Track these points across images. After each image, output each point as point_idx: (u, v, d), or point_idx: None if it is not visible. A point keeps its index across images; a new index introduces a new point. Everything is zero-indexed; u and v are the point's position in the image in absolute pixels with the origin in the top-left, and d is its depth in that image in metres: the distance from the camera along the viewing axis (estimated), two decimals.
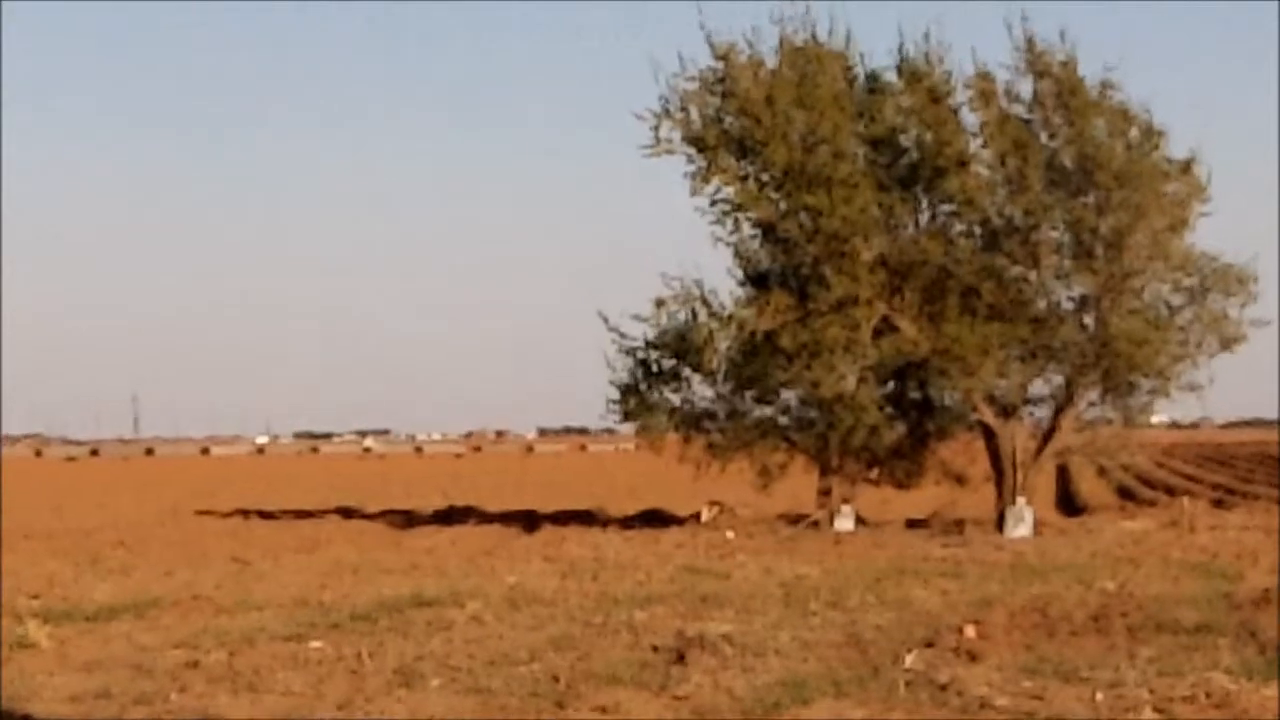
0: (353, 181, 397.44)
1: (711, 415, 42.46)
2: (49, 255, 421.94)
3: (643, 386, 42.81)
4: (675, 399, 42.73)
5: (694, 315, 40.96)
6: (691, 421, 42.64)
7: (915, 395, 41.24)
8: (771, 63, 39.53)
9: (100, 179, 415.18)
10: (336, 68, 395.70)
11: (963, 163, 38.70)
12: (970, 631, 20.03)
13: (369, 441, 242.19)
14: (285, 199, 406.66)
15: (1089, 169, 37.84)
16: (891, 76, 40.18)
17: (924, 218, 39.93)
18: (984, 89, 39.10)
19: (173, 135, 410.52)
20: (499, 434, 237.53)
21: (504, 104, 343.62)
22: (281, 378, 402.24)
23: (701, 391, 42.49)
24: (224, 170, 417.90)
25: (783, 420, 42.19)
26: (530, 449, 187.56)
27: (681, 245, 77.69)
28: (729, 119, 39.49)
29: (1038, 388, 40.38)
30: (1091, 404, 40.63)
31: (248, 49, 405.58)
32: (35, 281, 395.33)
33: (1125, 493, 57.76)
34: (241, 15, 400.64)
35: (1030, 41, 38.89)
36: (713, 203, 40.13)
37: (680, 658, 18.23)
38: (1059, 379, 39.98)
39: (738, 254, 41.29)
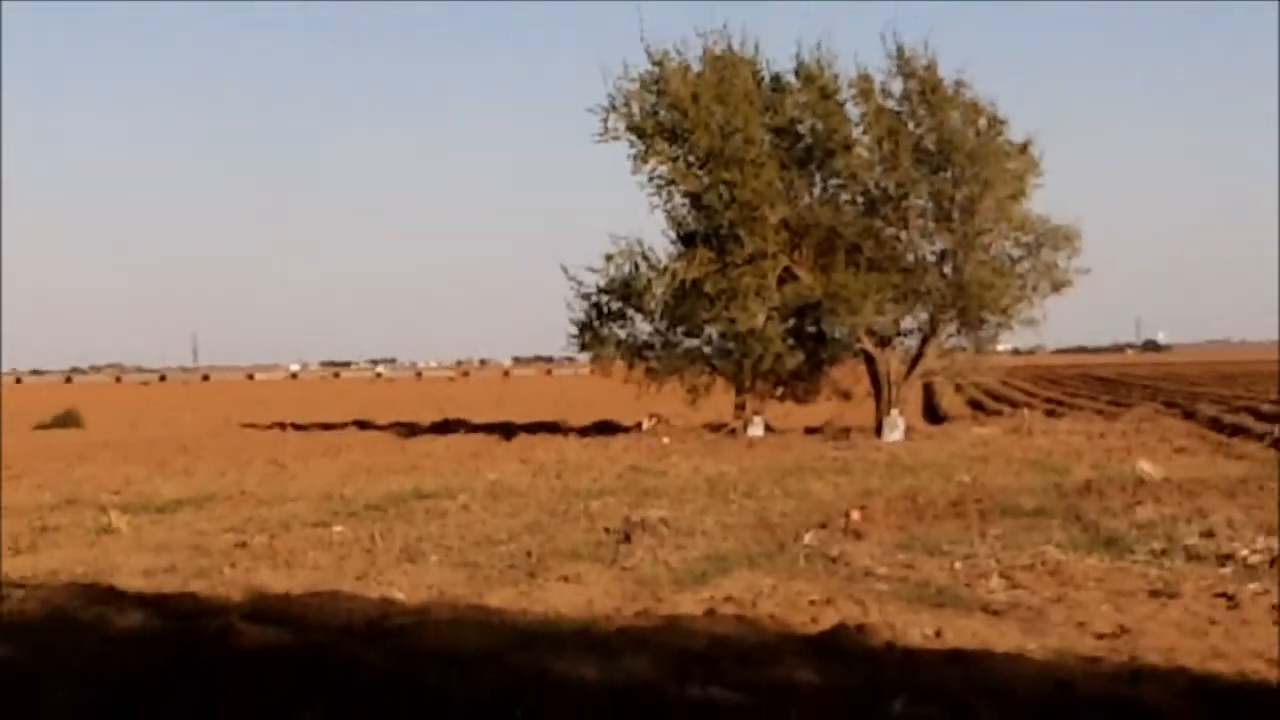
0: (376, 179, 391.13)
1: (650, 346, 44.61)
2: (121, 223, 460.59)
3: (595, 324, 44.88)
4: (621, 334, 44.90)
5: (636, 267, 43.46)
6: (634, 351, 44.78)
7: (811, 329, 42.74)
8: (696, 67, 42.26)
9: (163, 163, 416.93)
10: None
11: (847, 146, 41.32)
12: (855, 515, 20.83)
13: (380, 368, 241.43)
14: (318, 185, 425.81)
15: (946, 150, 40.67)
16: (791, 78, 42.76)
17: (817, 190, 42.56)
18: (864, 87, 41.78)
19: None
20: (482, 362, 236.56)
21: (487, 97, 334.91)
22: (311, 317, 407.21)
23: (642, 328, 44.74)
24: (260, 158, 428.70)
25: (707, 350, 43.99)
26: (507, 374, 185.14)
27: (625, 212, 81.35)
28: (662, 112, 42.13)
29: (907, 323, 42.94)
30: (950, 336, 42.98)
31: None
32: (108, 243, 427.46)
33: (977, 405, 59.10)
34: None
35: (900, 49, 41.50)
36: (650, 178, 42.88)
37: (626, 538, 18.98)
38: (924, 316, 42.49)
39: (670, 218, 43.66)
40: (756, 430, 42.22)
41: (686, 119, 41.52)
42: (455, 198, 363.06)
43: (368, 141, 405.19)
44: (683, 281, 42.11)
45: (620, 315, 44.72)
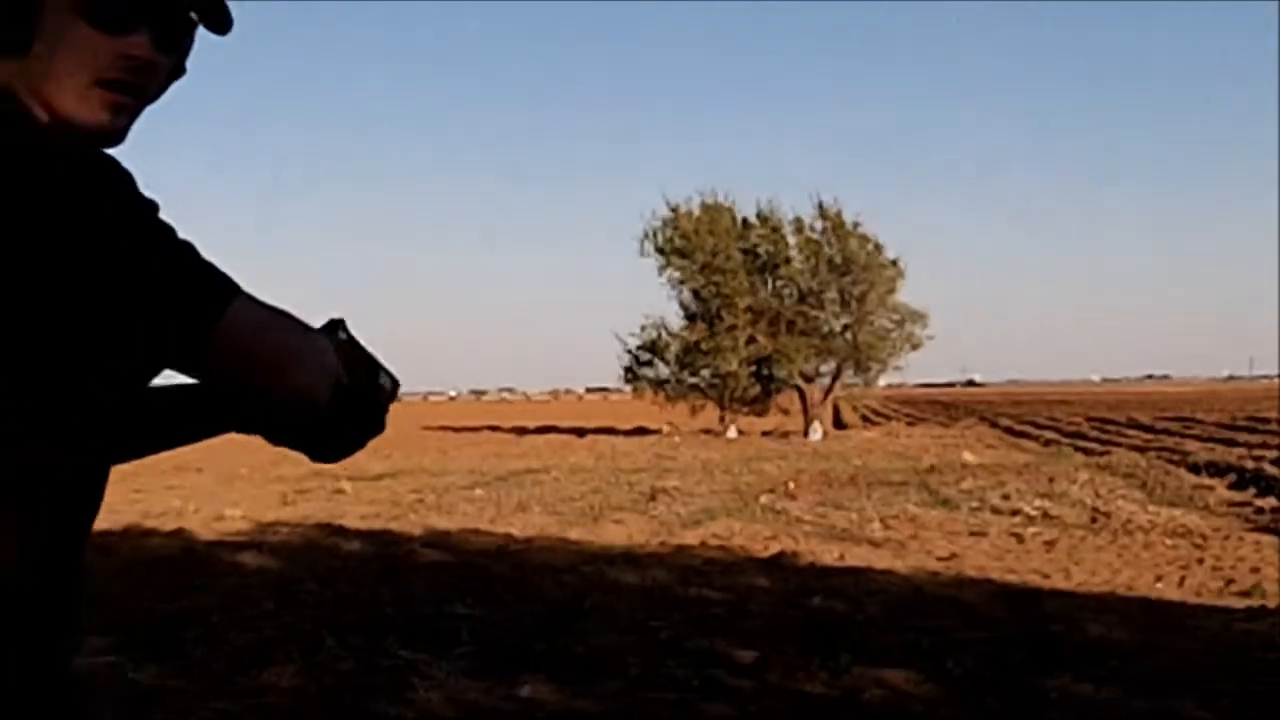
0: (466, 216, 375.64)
1: (667, 381, 43.45)
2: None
3: (635, 367, 43.89)
4: (651, 373, 43.71)
5: (659, 333, 43.29)
6: (658, 384, 43.62)
7: (765, 372, 41.45)
8: (696, 212, 41.90)
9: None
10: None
11: (787, 260, 40.81)
12: (791, 485, 20.32)
13: (505, 394, 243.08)
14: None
15: (848, 264, 40.08)
16: (754, 219, 41.95)
17: (769, 288, 41.49)
18: (798, 225, 41.35)
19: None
20: (567, 390, 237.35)
21: (573, 226, 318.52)
22: (463, 357, 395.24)
23: (663, 370, 43.50)
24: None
25: (702, 384, 42.77)
26: (580, 398, 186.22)
27: (654, 299, 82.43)
28: (676, 239, 41.67)
29: (824, 369, 41.48)
30: (849, 376, 41.99)
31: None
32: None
33: (866, 419, 56.81)
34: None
35: (821, 203, 41.18)
36: (668, 280, 42.42)
37: (653, 497, 18.43)
38: (834, 364, 41.27)
39: (680, 304, 43.02)
40: (732, 433, 41.46)
41: (690, 244, 41.34)
42: (555, 291, 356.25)
43: (510, 251, 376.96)
44: (687, 342, 41.98)
45: (650, 363, 43.87)
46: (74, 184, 1.58)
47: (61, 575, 1.61)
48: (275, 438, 1.68)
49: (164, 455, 1.69)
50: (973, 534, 14.21)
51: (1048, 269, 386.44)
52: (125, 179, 1.68)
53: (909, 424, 50.69)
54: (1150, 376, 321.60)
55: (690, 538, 13.88)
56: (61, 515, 1.60)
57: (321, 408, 1.67)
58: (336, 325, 1.83)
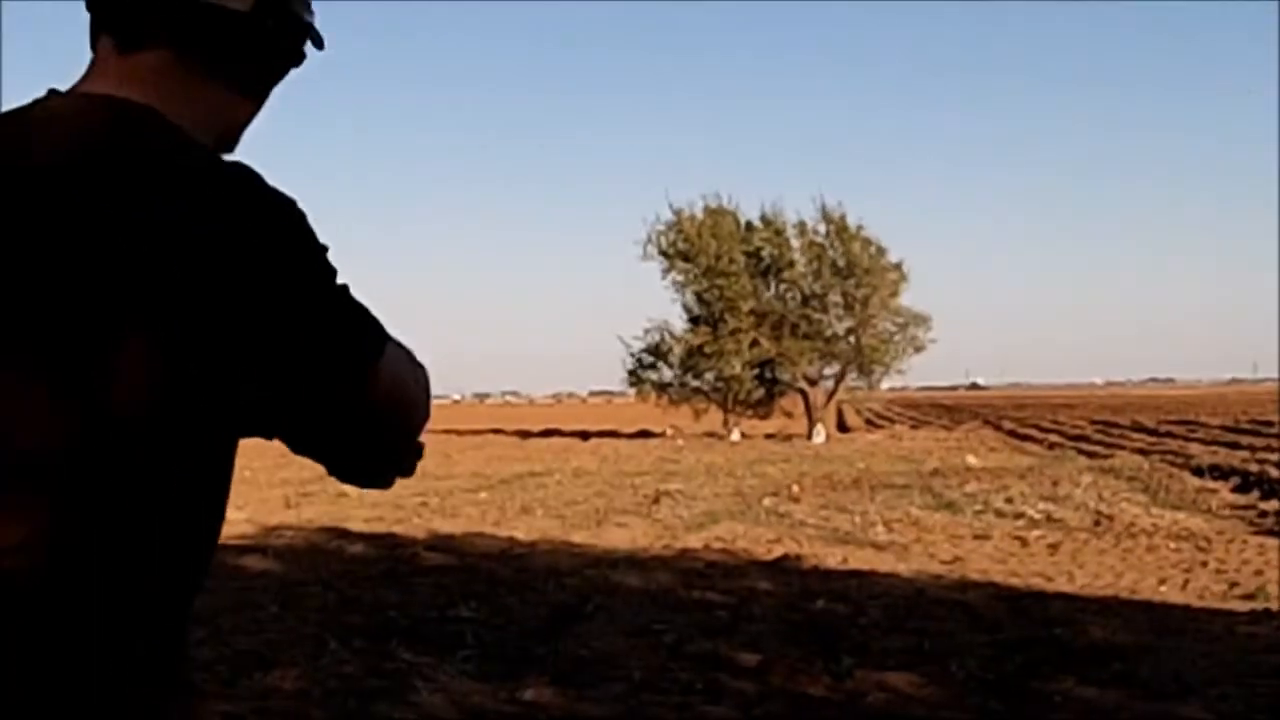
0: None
1: (670, 384, 43.40)
2: None
3: (639, 370, 43.86)
4: (654, 376, 43.70)
5: (662, 337, 43.25)
6: (661, 388, 43.57)
7: (768, 375, 41.58)
8: (700, 216, 41.79)
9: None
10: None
11: (791, 264, 40.86)
12: (794, 488, 20.26)
13: (507, 397, 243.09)
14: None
15: (851, 267, 40.11)
16: (757, 222, 41.90)
17: (772, 291, 41.54)
18: (801, 228, 41.42)
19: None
20: (570, 394, 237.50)
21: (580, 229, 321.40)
22: (465, 360, 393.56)
23: (666, 373, 43.48)
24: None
25: (705, 387, 42.68)
26: (585, 401, 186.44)
27: (657, 302, 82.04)
28: (680, 242, 41.60)
29: (827, 371, 41.75)
30: (853, 379, 42.12)
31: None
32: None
33: (869, 422, 57.62)
34: None
35: (824, 207, 41.29)
36: (672, 283, 42.45)
37: (656, 500, 18.30)
38: (837, 367, 41.45)
39: (683, 307, 43.05)
40: (735, 436, 41.01)
41: (693, 247, 41.29)
42: (559, 294, 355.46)
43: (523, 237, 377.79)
44: (691, 346, 41.92)
45: (653, 365, 43.92)
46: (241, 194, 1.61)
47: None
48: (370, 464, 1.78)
49: None
50: (976, 537, 14.19)
51: (1051, 272, 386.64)
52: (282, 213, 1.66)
53: (912, 427, 50.68)
54: (1154, 379, 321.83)
55: (694, 541, 13.85)
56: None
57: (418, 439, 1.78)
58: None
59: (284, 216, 1.61)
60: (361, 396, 1.65)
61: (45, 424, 1.57)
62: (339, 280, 1.64)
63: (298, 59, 1.84)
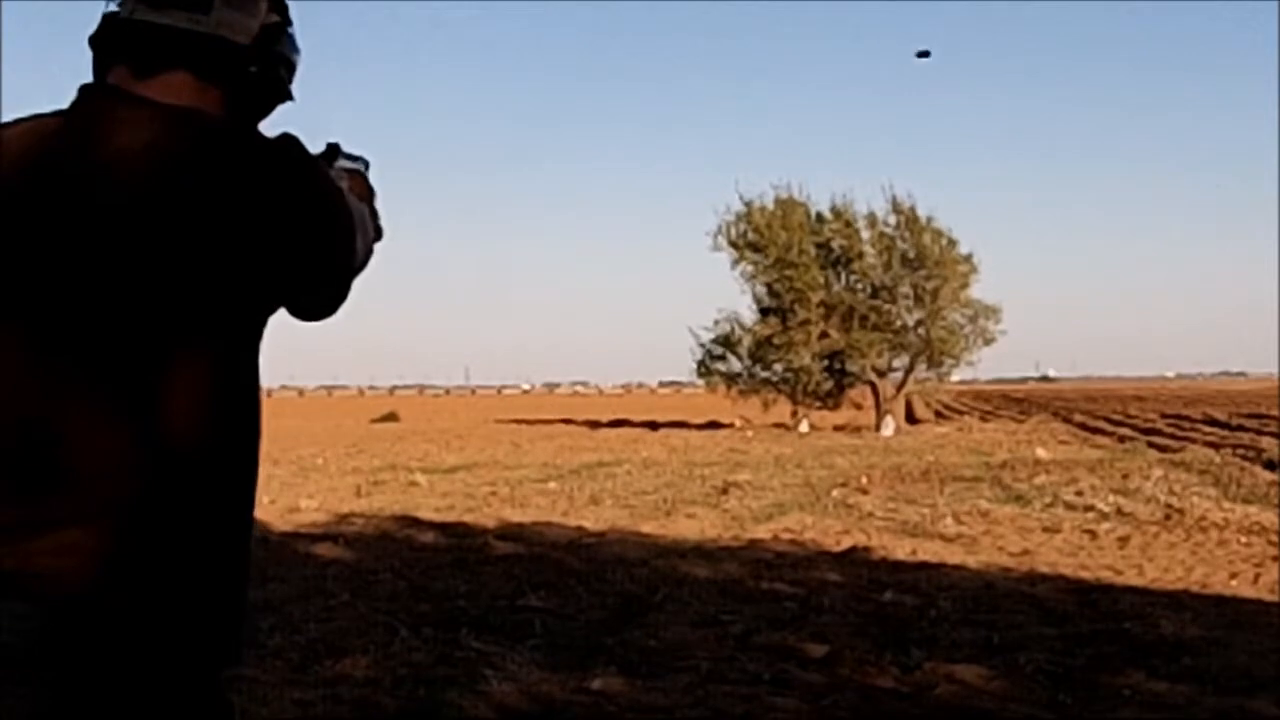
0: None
1: (740, 375, 43.05)
2: None
3: (708, 362, 43.40)
4: (723, 368, 43.29)
5: (732, 328, 42.65)
6: (731, 379, 43.15)
7: (838, 367, 41.24)
8: (770, 206, 41.35)
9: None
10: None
11: (860, 255, 40.44)
12: (864, 480, 20.22)
13: (578, 388, 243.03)
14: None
15: (920, 259, 39.61)
16: (827, 213, 41.45)
17: (842, 282, 41.19)
18: (871, 220, 40.83)
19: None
20: (640, 384, 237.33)
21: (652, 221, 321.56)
22: (538, 351, 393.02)
23: (735, 364, 43.09)
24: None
25: (774, 379, 42.33)
26: (653, 391, 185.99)
27: (727, 293, 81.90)
28: (750, 233, 41.24)
29: (896, 363, 41.11)
30: (922, 371, 41.42)
31: None
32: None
33: (938, 414, 56.37)
34: None
35: (894, 198, 40.61)
36: (741, 274, 42.03)
37: (725, 491, 18.36)
38: (906, 359, 40.89)
39: (753, 297, 42.54)
40: (804, 428, 40.41)
41: (763, 238, 40.80)
42: (629, 285, 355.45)
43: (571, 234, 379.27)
44: (760, 337, 41.54)
45: (723, 357, 43.25)
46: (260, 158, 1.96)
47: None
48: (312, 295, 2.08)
49: None
50: (1045, 530, 14.06)
51: (1124, 263, 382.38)
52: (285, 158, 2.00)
53: (982, 419, 50.14)
54: (1225, 373, 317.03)
55: (762, 532, 13.84)
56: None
57: (358, 269, 2.11)
58: (336, 152, 2.26)
59: (295, 169, 1.97)
60: (349, 279, 2.08)
61: (109, 443, 1.64)
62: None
63: (286, 95, 2.14)
